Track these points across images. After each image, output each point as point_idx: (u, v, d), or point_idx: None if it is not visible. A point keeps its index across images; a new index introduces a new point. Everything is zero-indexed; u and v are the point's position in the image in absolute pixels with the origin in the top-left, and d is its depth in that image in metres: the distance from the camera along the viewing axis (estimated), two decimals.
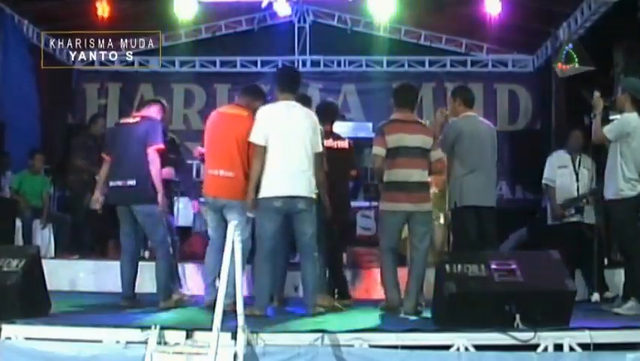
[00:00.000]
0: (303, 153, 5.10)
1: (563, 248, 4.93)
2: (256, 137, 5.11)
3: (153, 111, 5.85)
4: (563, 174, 6.65)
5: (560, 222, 6.62)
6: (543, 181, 6.76)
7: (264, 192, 5.05)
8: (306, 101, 5.92)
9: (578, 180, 6.59)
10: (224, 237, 5.38)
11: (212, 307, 5.18)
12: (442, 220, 6.19)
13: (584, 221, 6.54)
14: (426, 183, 5.47)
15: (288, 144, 5.08)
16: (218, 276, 5.39)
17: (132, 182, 5.52)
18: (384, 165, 5.35)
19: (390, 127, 5.40)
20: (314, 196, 5.15)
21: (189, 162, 8.71)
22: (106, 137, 5.85)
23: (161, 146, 5.56)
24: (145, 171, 5.51)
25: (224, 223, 5.35)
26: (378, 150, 5.35)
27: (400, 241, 5.60)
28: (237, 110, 5.53)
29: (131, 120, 5.81)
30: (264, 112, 5.22)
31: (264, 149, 5.06)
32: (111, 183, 5.66)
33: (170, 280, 5.80)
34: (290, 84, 5.38)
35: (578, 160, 6.64)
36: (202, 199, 5.69)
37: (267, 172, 5.06)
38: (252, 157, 5.14)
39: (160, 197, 5.51)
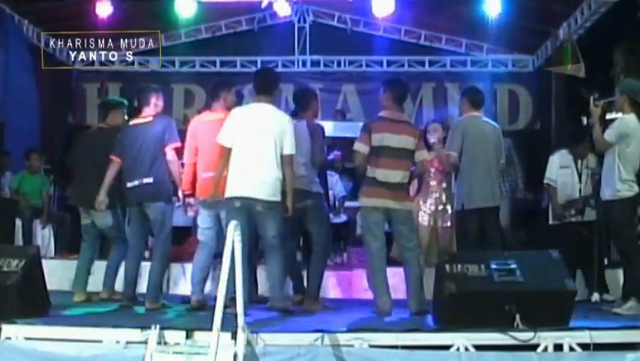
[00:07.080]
0: (267, 156, 5.08)
1: (563, 248, 4.92)
2: (222, 138, 5.17)
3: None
4: (564, 174, 6.58)
5: (560, 222, 6.61)
6: (545, 180, 6.70)
7: (227, 192, 5.11)
8: (307, 96, 6.01)
9: (580, 180, 6.51)
10: (216, 238, 5.48)
11: (201, 307, 5.26)
12: (424, 220, 6.18)
13: (584, 221, 6.52)
14: (406, 183, 5.45)
15: (252, 147, 5.09)
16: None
17: (149, 180, 5.53)
18: (365, 162, 5.32)
19: (377, 125, 5.37)
20: (275, 199, 5.09)
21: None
22: (117, 138, 5.80)
23: (178, 144, 5.63)
24: (162, 169, 5.57)
25: (218, 224, 5.48)
26: (360, 147, 5.32)
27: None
28: (216, 116, 5.63)
29: (142, 120, 5.74)
30: (234, 114, 5.29)
31: (229, 150, 5.12)
32: (128, 185, 5.62)
33: (162, 281, 5.81)
34: (265, 87, 5.38)
35: (581, 161, 6.53)
36: (192, 201, 5.72)
37: (230, 173, 5.11)
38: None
39: (181, 194, 5.70)
